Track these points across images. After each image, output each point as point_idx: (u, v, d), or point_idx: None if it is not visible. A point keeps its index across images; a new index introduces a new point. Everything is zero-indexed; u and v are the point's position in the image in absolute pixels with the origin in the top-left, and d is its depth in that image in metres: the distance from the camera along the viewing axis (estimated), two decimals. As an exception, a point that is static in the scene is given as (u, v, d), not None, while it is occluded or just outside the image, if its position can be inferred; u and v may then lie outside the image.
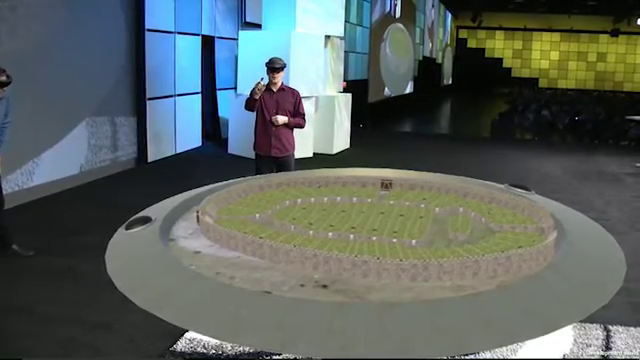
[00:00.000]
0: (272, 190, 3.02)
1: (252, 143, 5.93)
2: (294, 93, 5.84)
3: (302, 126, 5.95)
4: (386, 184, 3.11)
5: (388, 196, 2.96)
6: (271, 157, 5.77)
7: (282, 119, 5.68)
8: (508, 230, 2.39)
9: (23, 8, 6.75)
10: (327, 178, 3.15)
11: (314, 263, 1.94)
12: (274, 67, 5.66)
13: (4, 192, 5.24)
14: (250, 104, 5.70)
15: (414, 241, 2.23)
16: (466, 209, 2.68)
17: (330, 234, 2.32)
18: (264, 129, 5.75)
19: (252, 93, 5.60)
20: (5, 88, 4.85)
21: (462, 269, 1.88)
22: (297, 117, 5.81)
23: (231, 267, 1.99)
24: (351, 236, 2.28)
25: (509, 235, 2.28)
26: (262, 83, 5.58)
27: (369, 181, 3.14)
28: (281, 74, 5.72)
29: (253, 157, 6.00)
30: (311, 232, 2.34)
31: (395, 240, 2.24)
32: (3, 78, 4.79)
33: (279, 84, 5.73)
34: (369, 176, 3.18)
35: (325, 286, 1.83)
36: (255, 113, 5.81)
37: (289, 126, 5.79)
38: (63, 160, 7.55)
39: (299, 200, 2.84)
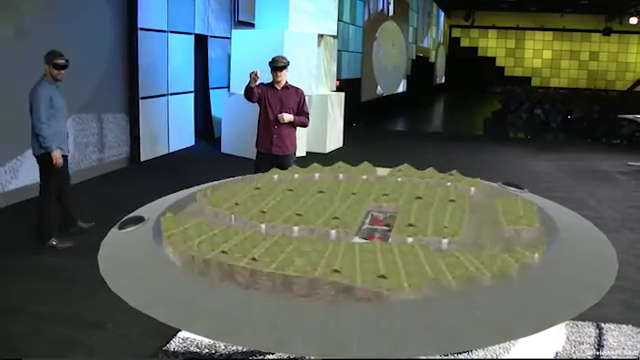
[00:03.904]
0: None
1: (245, 142, 5.92)
2: (298, 92, 5.83)
3: (306, 125, 5.98)
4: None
5: (393, 172, 2.28)
6: (271, 155, 5.76)
7: (288, 117, 5.68)
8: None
9: (12, 3, 6.70)
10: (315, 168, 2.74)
11: (263, 289, 1.42)
12: (277, 65, 5.66)
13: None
14: (249, 94, 5.68)
15: (446, 240, 1.57)
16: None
17: (296, 229, 1.64)
18: (266, 127, 5.74)
19: (249, 82, 5.60)
20: (63, 71, 5.17)
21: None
22: (301, 116, 5.81)
23: None
24: (332, 233, 1.62)
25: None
26: (257, 71, 5.56)
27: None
28: (284, 72, 5.71)
29: (247, 156, 6.00)
30: (263, 226, 1.71)
31: (412, 239, 1.56)
32: (62, 61, 5.14)
33: (283, 82, 5.73)
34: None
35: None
36: (258, 111, 5.81)
37: (293, 124, 5.79)
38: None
39: (253, 179, 2.08)
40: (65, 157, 5.35)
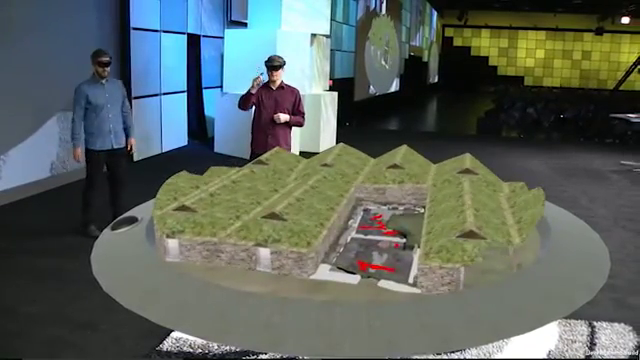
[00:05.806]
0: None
1: (239, 142, 5.91)
2: (293, 92, 5.82)
3: (302, 124, 5.97)
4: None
5: (394, 153, 1.58)
6: None
7: (284, 117, 5.67)
8: None
9: (2, 3, 6.65)
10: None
11: None
12: (273, 65, 5.66)
13: None
14: (245, 102, 5.66)
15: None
16: None
17: (171, 244, 0.97)
18: (261, 127, 5.72)
19: (250, 88, 5.59)
20: (107, 68, 5.50)
21: None
22: (297, 115, 5.80)
23: None
24: (262, 255, 0.96)
25: None
26: (261, 77, 5.57)
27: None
28: (280, 72, 5.71)
29: (240, 155, 5.98)
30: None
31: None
32: (106, 59, 5.48)
33: (278, 82, 5.72)
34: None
35: None
36: (253, 111, 5.79)
37: (289, 124, 5.78)
38: (44, 158, 7.47)
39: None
40: (108, 152, 5.72)
